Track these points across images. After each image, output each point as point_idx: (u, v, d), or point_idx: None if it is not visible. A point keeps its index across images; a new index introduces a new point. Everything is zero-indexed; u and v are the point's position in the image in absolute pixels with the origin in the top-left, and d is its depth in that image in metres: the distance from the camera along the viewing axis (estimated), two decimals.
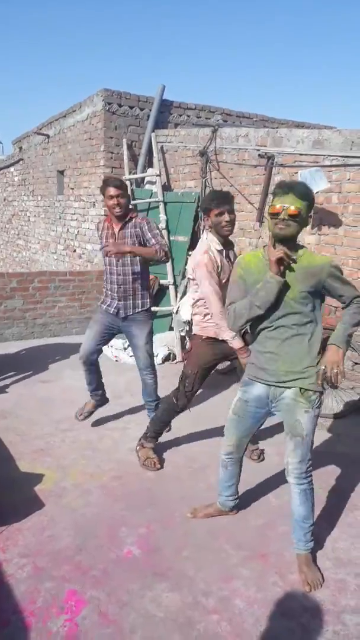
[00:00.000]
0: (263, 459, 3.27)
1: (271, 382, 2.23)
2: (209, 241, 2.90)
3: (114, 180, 3.22)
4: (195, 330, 3.05)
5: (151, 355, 3.51)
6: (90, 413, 3.67)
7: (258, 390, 2.28)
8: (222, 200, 2.81)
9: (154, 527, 2.56)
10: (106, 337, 3.47)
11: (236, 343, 2.81)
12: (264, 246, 2.22)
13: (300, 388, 2.18)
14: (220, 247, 2.90)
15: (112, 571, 2.25)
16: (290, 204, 2.00)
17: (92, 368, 3.52)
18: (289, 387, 2.20)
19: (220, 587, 2.18)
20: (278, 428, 3.75)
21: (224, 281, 2.86)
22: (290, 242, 2.11)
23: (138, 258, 3.27)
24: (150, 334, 3.48)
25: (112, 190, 3.17)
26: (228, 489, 2.59)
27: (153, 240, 3.26)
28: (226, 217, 2.80)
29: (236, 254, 3.05)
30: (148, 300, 3.43)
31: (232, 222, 2.86)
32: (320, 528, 2.59)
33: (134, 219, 3.29)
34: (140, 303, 3.38)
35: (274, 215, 2.04)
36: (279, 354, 2.19)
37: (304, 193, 2.05)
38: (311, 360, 2.20)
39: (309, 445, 2.22)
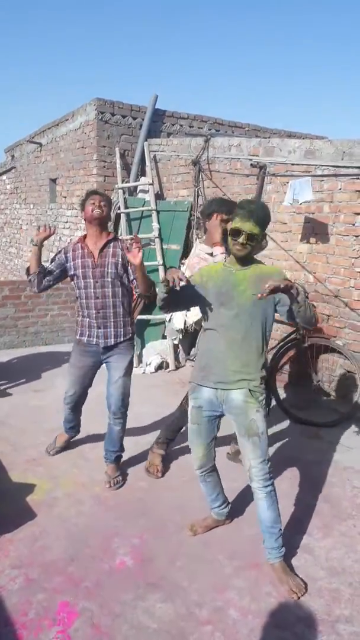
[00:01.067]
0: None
1: (218, 386, 2.28)
2: (198, 250, 3.02)
3: (95, 191, 3.03)
4: None
5: (126, 395, 3.05)
6: (63, 448, 3.39)
7: (207, 394, 2.32)
8: (229, 206, 2.87)
9: (147, 537, 2.54)
10: (90, 378, 3.14)
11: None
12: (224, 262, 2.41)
13: (250, 390, 2.24)
14: (210, 251, 2.97)
15: (105, 582, 2.23)
16: (249, 230, 2.16)
17: (78, 410, 3.29)
18: (236, 389, 2.25)
19: (214, 597, 2.16)
20: (271, 437, 3.76)
21: None
22: (246, 259, 2.28)
23: (118, 277, 2.92)
24: (130, 366, 3.04)
25: (95, 197, 2.90)
26: (216, 501, 2.58)
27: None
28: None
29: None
30: (130, 327, 3.04)
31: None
32: (314, 538, 2.59)
33: (119, 241, 2.98)
34: (123, 332, 2.99)
35: (233, 235, 2.21)
36: (227, 354, 2.25)
37: (262, 219, 2.22)
38: (258, 364, 2.27)
39: (266, 444, 2.27)
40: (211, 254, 2.97)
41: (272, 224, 4.84)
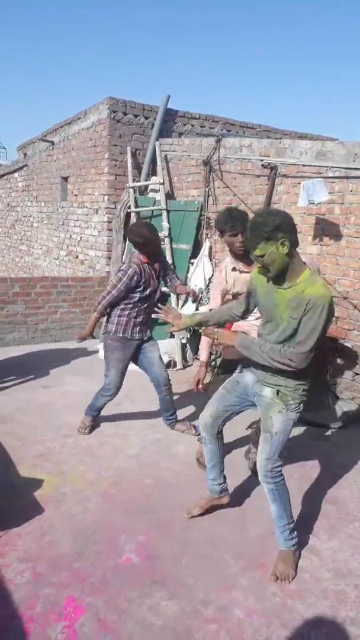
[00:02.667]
0: None
1: (258, 377, 2.32)
2: (225, 262, 3.13)
3: (152, 240, 3.43)
4: None
5: (166, 370, 3.71)
6: (93, 427, 3.73)
7: (249, 379, 2.39)
8: (234, 224, 2.90)
9: (153, 535, 2.55)
10: (127, 367, 3.64)
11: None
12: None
13: (278, 391, 2.25)
14: (233, 266, 3.07)
15: (111, 578, 2.24)
16: (259, 254, 2.08)
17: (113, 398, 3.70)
18: (269, 386, 2.28)
19: (220, 596, 2.17)
20: None
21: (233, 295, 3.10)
22: (282, 278, 2.15)
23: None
24: (158, 348, 3.73)
25: (151, 248, 3.45)
26: (211, 471, 2.64)
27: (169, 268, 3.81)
28: (240, 238, 2.92)
29: None
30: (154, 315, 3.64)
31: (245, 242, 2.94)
32: (320, 539, 2.59)
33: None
34: (151, 326, 3.67)
35: (256, 262, 2.18)
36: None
37: (266, 234, 2.03)
38: (296, 374, 2.20)
39: (278, 445, 2.26)
40: (234, 269, 3.09)
41: None
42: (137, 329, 3.51)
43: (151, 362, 3.62)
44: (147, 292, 3.48)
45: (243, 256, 3.03)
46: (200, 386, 3.12)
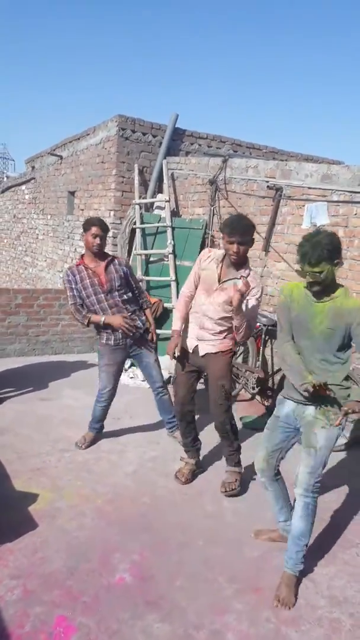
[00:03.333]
0: (233, 494, 3.12)
1: (299, 400, 2.36)
2: (216, 253, 3.08)
3: (98, 220, 3.42)
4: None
5: (161, 372, 3.76)
6: (92, 443, 3.71)
7: (288, 408, 2.44)
8: (234, 231, 2.82)
9: (148, 554, 2.52)
10: (119, 373, 3.68)
11: (173, 325, 3.16)
12: (305, 286, 2.35)
13: (321, 406, 2.31)
14: (221, 257, 3.01)
15: (103, 598, 2.21)
16: (309, 271, 2.21)
17: (109, 406, 3.71)
18: (311, 404, 2.33)
19: (213, 620, 2.14)
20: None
21: (200, 283, 3.07)
22: (323, 292, 2.29)
23: (120, 285, 3.47)
24: (157, 351, 3.72)
25: (94, 230, 3.37)
26: (280, 514, 2.62)
27: (138, 285, 3.69)
28: (234, 247, 2.85)
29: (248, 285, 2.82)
30: (141, 322, 3.60)
31: (239, 253, 2.88)
32: (317, 565, 2.55)
33: (116, 259, 3.53)
34: (139, 323, 3.55)
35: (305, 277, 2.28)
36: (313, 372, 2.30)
37: (320, 257, 2.17)
38: (336, 388, 2.29)
39: (322, 460, 2.31)
40: (222, 260, 3.03)
41: (285, 246, 4.87)
42: (116, 333, 3.48)
43: (147, 367, 3.68)
44: (91, 291, 3.41)
45: (234, 265, 2.95)
46: (176, 354, 3.09)
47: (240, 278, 2.88)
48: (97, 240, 3.39)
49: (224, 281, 2.97)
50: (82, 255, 3.54)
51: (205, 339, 3.06)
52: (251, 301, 2.92)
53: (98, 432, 3.75)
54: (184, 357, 3.16)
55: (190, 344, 3.12)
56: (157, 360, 3.69)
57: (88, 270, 3.44)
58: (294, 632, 2.10)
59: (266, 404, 4.79)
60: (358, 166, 4.17)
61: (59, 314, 6.17)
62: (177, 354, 3.10)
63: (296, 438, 2.49)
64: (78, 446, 3.62)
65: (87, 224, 3.42)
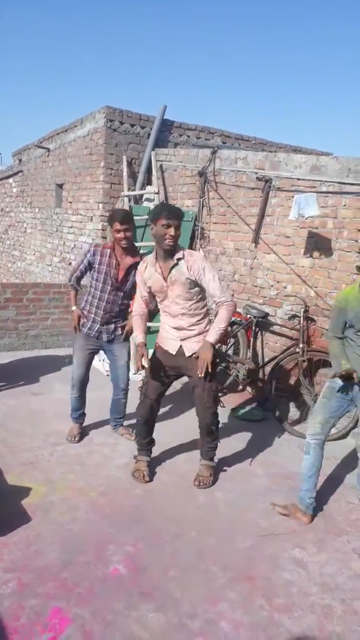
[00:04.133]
0: (205, 486, 3.14)
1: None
2: (147, 261, 3.08)
3: (121, 213, 3.33)
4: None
5: (128, 376, 3.73)
6: (81, 435, 3.72)
7: (343, 383, 2.79)
8: (171, 214, 2.84)
9: (141, 546, 2.54)
10: (91, 359, 3.65)
11: (136, 339, 3.11)
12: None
13: None
14: (153, 259, 3.01)
15: (98, 589, 2.22)
16: None
17: (84, 393, 3.69)
18: None
19: (206, 609, 2.16)
20: (269, 448, 3.76)
21: (154, 292, 3.06)
22: None
23: (129, 290, 3.45)
24: (129, 354, 3.69)
25: (117, 225, 3.28)
26: (307, 482, 2.84)
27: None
28: (172, 231, 2.84)
29: (196, 262, 2.92)
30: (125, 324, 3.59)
31: (176, 237, 2.89)
32: (308, 552, 2.59)
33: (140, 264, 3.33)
34: (121, 327, 3.55)
35: None
36: None
37: None
38: None
39: None
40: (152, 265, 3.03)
41: (275, 238, 4.88)
42: (90, 325, 3.48)
43: (115, 365, 3.64)
44: (102, 277, 3.38)
45: (168, 253, 2.91)
46: (146, 365, 2.97)
47: (177, 261, 2.90)
48: (122, 235, 3.28)
49: (169, 275, 2.93)
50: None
51: (188, 337, 3.01)
52: (207, 275, 2.88)
53: (80, 421, 3.74)
54: (157, 364, 3.10)
55: (174, 345, 3.05)
56: (127, 363, 3.67)
57: (113, 259, 3.37)
58: (287, 619, 2.13)
59: (257, 395, 4.82)
60: (347, 157, 4.18)
61: (48, 308, 6.14)
62: (146, 365, 2.98)
63: (349, 408, 2.88)
64: (69, 441, 3.61)
65: (110, 220, 3.37)
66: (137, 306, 3.15)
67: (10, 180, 10.48)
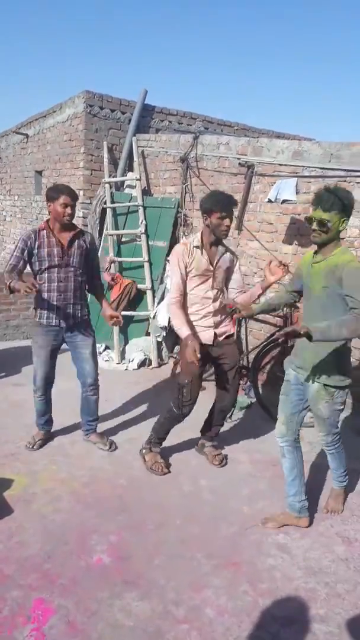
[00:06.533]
0: (225, 464, 3.28)
1: (298, 371, 2.53)
2: (191, 240, 3.04)
3: (68, 189, 3.06)
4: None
5: (97, 369, 3.37)
6: (45, 441, 3.42)
7: (293, 373, 2.58)
8: (227, 206, 2.88)
9: (125, 535, 2.52)
10: (55, 355, 3.29)
11: (181, 332, 2.91)
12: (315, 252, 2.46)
13: (324, 384, 2.42)
14: (197, 244, 2.99)
15: (81, 579, 2.21)
16: (318, 216, 2.27)
17: (49, 393, 3.37)
18: (311, 381, 2.46)
19: (191, 596, 2.16)
20: (253, 435, 3.77)
21: (193, 276, 3.00)
22: (323, 247, 2.37)
23: (81, 266, 3.16)
24: (95, 344, 3.35)
25: (66, 199, 3.01)
26: (291, 486, 2.64)
27: (97, 268, 3.34)
28: (227, 222, 2.90)
29: (234, 256, 3.17)
30: (87, 309, 3.30)
31: (230, 227, 2.97)
32: (292, 537, 2.60)
33: (85, 234, 3.22)
34: (80, 313, 3.22)
35: (308, 223, 2.35)
36: (307, 344, 2.26)
37: (331, 205, 2.25)
38: (334, 360, 2.39)
39: (332, 424, 2.54)
40: (197, 247, 3.00)
41: (258, 225, 4.86)
42: (46, 313, 3.13)
43: (80, 357, 3.28)
44: (46, 260, 3.06)
45: (215, 243, 3.01)
46: (198, 357, 2.77)
47: (226, 252, 3.08)
48: (69, 210, 3.03)
49: (217, 260, 3.02)
50: (48, 221, 3.14)
51: (220, 324, 3.12)
52: (237, 269, 3.18)
53: (47, 428, 3.45)
54: (201, 357, 2.86)
55: (209, 335, 3.06)
56: (93, 354, 3.31)
57: (51, 237, 3.08)
58: (271, 603, 2.14)
59: (241, 382, 4.82)
60: (329, 143, 4.16)
61: (29, 298, 6.02)
62: (198, 356, 2.77)
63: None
64: (28, 447, 3.32)
65: (55, 192, 3.04)
66: (174, 293, 2.99)
67: None
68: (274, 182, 4.47)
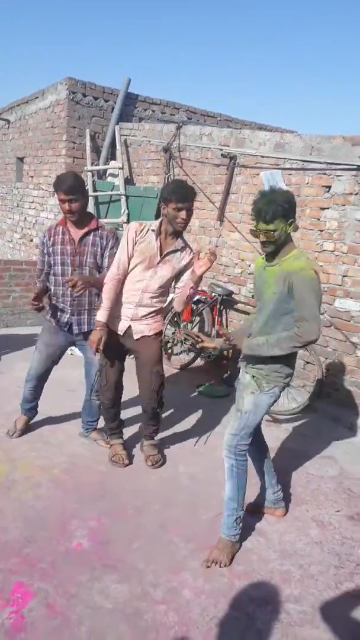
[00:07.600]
0: (160, 466, 3.12)
1: (242, 364, 2.47)
2: (149, 224, 2.87)
3: (67, 182, 2.81)
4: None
5: None
6: (24, 430, 3.36)
7: (241, 373, 2.50)
8: (185, 197, 2.71)
9: (105, 520, 2.55)
10: (58, 357, 3.22)
11: (98, 315, 2.84)
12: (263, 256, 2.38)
13: (253, 375, 2.35)
14: (155, 228, 2.82)
15: (61, 563, 2.23)
16: (263, 228, 2.17)
17: (39, 389, 3.31)
18: (247, 373, 2.40)
19: (169, 578, 2.20)
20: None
21: (135, 258, 2.82)
22: (275, 254, 2.26)
23: (96, 267, 3.00)
24: None
25: (61, 195, 2.83)
26: (263, 481, 2.66)
27: (107, 262, 2.97)
28: (184, 214, 2.73)
29: (192, 250, 2.92)
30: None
31: (187, 220, 2.80)
32: (268, 522, 2.67)
33: (100, 229, 3.00)
34: (94, 318, 2.98)
35: (254, 237, 2.27)
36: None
37: (274, 214, 2.12)
38: (273, 361, 2.28)
39: (246, 423, 2.32)
40: (155, 233, 2.83)
41: (240, 216, 4.89)
42: (59, 315, 3.05)
43: (89, 363, 3.22)
44: (59, 258, 2.94)
45: (176, 234, 2.84)
46: (101, 348, 2.81)
47: (180, 249, 2.86)
48: (67, 207, 2.82)
49: (167, 253, 2.84)
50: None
51: (139, 319, 2.90)
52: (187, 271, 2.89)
53: (30, 415, 3.39)
54: (111, 344, 2.89)
55: (122, 325, 2.92)
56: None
57: (66, 234, 2.94)
58: (247, 585, 2.20)
59: (221, 372, 4.88)
60: (310, 135, 4.20)
61: (9, 286, 5.99)
62: (101, 348, 2.81)
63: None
64: (9, 435, 3.27)
65: (54, 185, 2.87)
66: (117, 266, 2.82)
67: None
68: (256, 174, 4.50)
